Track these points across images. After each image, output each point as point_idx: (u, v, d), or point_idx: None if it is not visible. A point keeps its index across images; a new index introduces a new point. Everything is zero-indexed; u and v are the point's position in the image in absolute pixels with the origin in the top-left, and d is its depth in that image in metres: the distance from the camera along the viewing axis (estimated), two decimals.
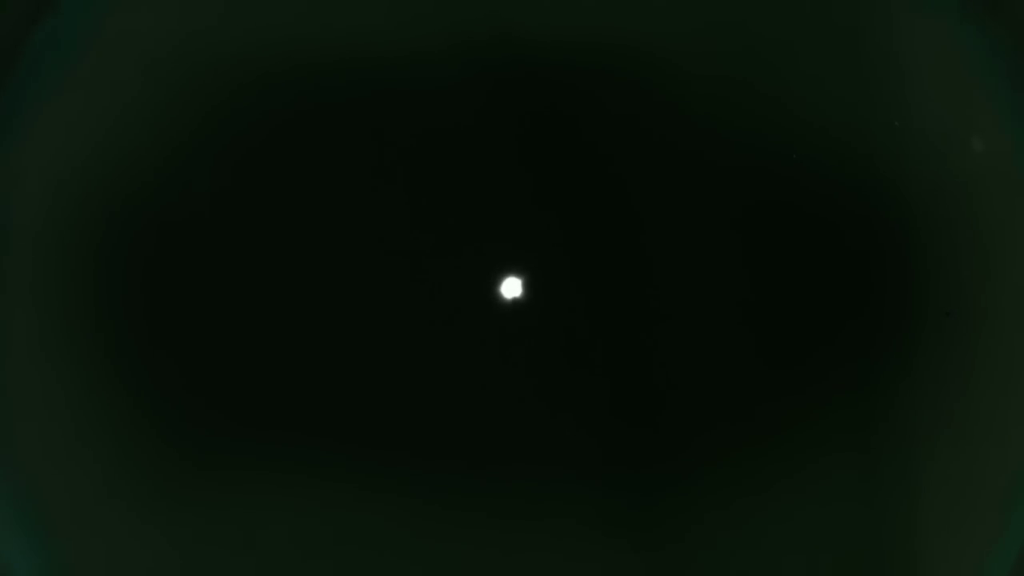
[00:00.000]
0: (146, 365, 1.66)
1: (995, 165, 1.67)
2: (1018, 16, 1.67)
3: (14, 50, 1.67)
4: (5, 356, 1.66)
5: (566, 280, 1.66)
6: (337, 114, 1.67)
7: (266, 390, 1.65)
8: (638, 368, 1.65)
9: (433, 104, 1.67)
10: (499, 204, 1.66)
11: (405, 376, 1.65)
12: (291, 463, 1.63)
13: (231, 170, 1.67)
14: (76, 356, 1.66)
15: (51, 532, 1.65)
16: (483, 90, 1.67)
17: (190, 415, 1.65)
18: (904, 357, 1.66)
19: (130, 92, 1.68)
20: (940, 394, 1.65)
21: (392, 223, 1.66)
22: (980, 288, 1.66)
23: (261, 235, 1.66)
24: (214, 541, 1.64)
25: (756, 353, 1.66)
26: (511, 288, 1.66)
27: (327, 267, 1.66)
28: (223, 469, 1.64)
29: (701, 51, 1.68)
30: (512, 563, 1.64)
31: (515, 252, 1.66)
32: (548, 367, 1.65)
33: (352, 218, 1.67)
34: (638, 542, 1.63)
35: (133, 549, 1.64)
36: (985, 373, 1.65)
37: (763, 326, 1.66)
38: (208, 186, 1.67)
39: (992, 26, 1.67)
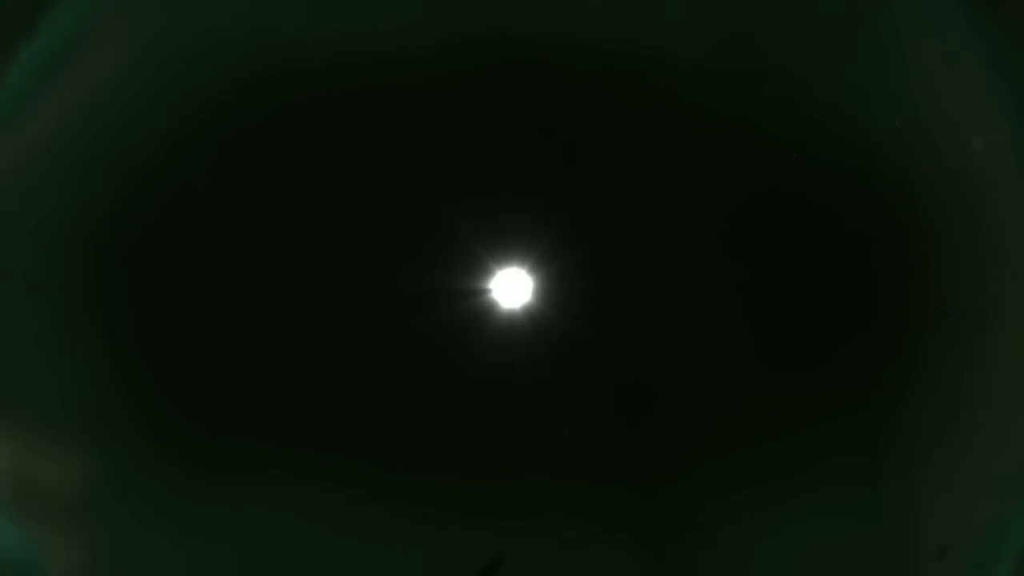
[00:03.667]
0: (146, 366, 1.66)
1: (996, 164, 1.66)
2: (1019, 15, 1.66)
3: (12, 49, 1.67)
4: (5, 355, 1.66)
5: (566, 276, 1.66)
6: (337, 114, 1.67)
7: (267, 391, 1.65)
8: (638, 367, 1.65)
9: (433, 104, 1.67)
10: (499, 202, 1.66)
11: (403, 375, 1.65)
12: (292, 464, 1.63)
13: (230, 169, 1.67)
14: (76, 356, 1.66)
15: (50, 532, 1.64)
16: (484, 88, 1.67)
17: (190, 415, 1.65)
18: (904, 356, 1.66)
19: (129, 91, 1.68)
20: (940, 393, 1.65)
21: (391, 222, 1.66)
22: (980, 288, 1.66)
23: (261, 235, 1.66)
24: (213, 541, 1.64)
25: (756, 352, 1.66)
26: (510, 284, 1.66)
27: (327, 266, 1.66)
28: (223, 470, 1.64)
29: (702, 47, 1.68)
30: (513, 560, 1.64)
31: (514, 249, 1.66)
32: (548, 366, 1.65)
33: (351, 217, 1.67)
34: (639, 539, 1.63)
35: (133, 549, 1.64)
36: (985, 372, 1.65)
37: (763, 325, 1.66)
38: (207, 185, 1.67)
39: (993, 25, 1.66)
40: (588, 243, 1.65)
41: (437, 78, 1.68)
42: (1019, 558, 1.62)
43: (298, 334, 1.66)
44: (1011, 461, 1.64)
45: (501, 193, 1.66)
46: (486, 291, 1.66)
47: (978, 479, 1.64)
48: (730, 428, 1.64)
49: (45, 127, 1.68)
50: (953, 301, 1.65)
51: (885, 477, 1.64)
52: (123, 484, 1.64)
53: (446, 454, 1.64)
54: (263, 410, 1.65)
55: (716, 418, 1.64)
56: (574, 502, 1.64)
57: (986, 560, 1.63)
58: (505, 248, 1.66)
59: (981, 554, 1.63)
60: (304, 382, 1.65)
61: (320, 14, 1.70)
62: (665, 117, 1.67)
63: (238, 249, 1.66)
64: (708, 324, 1.66)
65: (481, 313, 1.66)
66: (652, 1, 1.68)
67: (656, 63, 1.67)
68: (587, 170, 1.66)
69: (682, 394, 1.65)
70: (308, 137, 1.68)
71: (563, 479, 1.64)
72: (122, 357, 1.66)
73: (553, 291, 1.66)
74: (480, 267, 1.66)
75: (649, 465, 1.64)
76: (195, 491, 1.64)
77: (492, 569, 1.63)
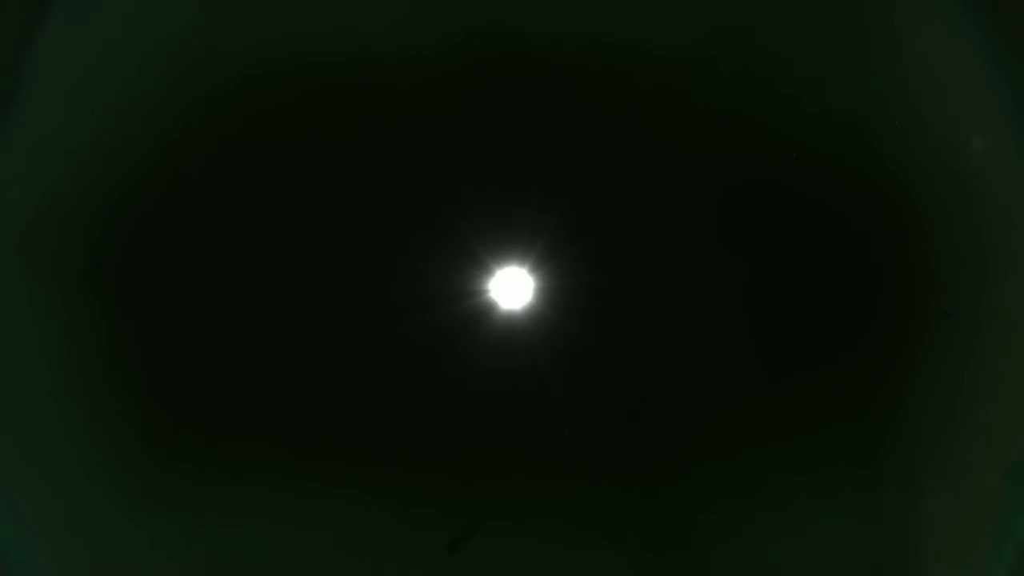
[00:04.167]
0: (137, 365, 1.65)
1: (997, 164, 1.66)
2: (1021, 14, 1.66)
3: (4, 50, 1.65)
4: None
5: (563, 275, 1.66)
6: (330, 112, 1.66)
7: (259, 392, 1.64)
8: (639, 366, 1.65)
9: (430, 100, 1.66)
10: (498, 202, 1.65)
11: (397, 373, 1.65)
12: (284, 465, 1.63)
13: (224, 167, 1.66)
14: (65, 354, 1.65)
15: (36, 534, 1.63)
16: (481, 85, 1.67)
17: (180, 416, 1.64)
18: (903, 356, 1.66)
19: (122, 90, 1.67)
20: (939, 393, 1.65)
21: (387, 221, 1.66)
22: (980, 288, 1.66)
23: (255, 234, 1.65)
24: (203, 544, 1.63)
25: (757, 352, 1.66)
26: (507, 282, 1.66)
27: (322, 267, 1.65)
28: (214, 471, 1.63)
29: (702, 42, 1.68)
30: (513, 561, 1.63)
31: (512, 250, 1.65)
32: (547, 366, 1.64)
33: (345, 217, 1.66)
34: (640, 540, 1.63)
35: (120, 551, 1.62)
36: (985, 373, 1.65)
37: (764, 324, 1.66)
38: (203, 186, 1.66)
39: (995, 25, 1.66)
40: (589, 242, 1.65)
41: (434, 75, 1.67)
42: (1019, 558, 1.62)
43: (292, 335, 1.65)
44: (1011, 461, 1.64)
45: (500, 192, 1.65)
46: (482, 289, 1.66)
47: (978, 479, 1.64)
48: (731, 429, 1.64)
49: (36, 128, 1.67)
50: (953, 301, 1.65)
51: (885, 477, 1.64)
52: (110, 486, 1.63)
53: (444, 456, 1.63)
54: (257, 413, 1.64)
55: (716, 419, 1.64)
56: (574, 503, 1.63)
57: (986, 560, 1.63)
58: (503, 248, 1.65)
59: (981, 554, 1.63)
60: (298, 384, 1.64)
61: (315, 11, 1.69)
62: (665, 112, 1.67)
63: (231, 249, 1.65)
64: (709, 323, 1.66)
65: (480, 313, 1.65)
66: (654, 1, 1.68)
67: (658, 57, 1.67)
68: (588, 168, 1.66)
69: (683, 394, 1.65)
70: (302, 135, 1.67)
71: (562, 480, 1.64)
72: (111, 356, 1.65)
73: (554, 291, 1.65)
74: (476, 267, 1.65)
75: (649, 467, 1.64)
76: (184, 493, 1.63)
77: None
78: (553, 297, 1.66)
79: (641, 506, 1.64)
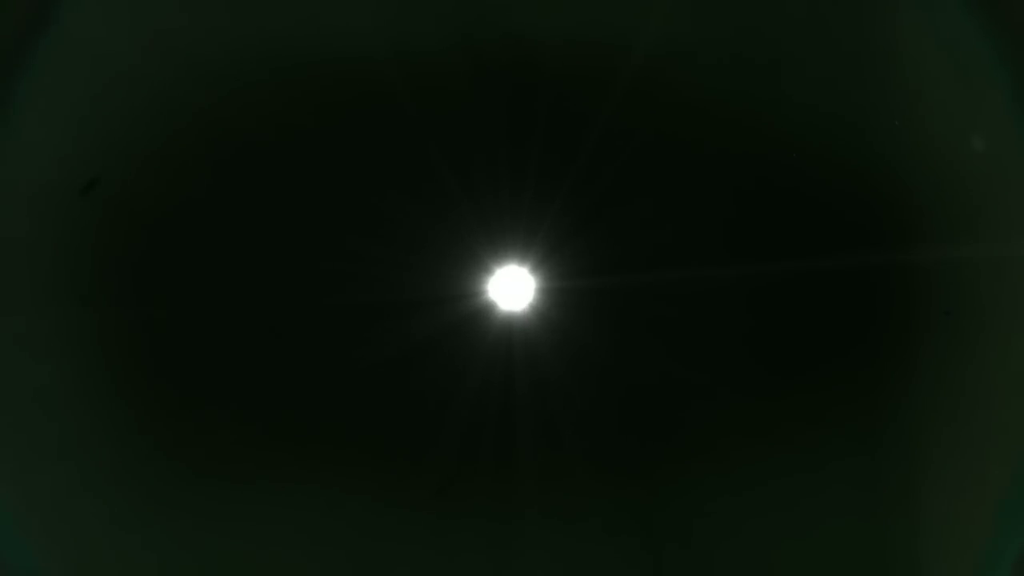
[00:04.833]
0: (135, 370, 1.64)
1: (998, 163, 1.66)
2: (1021, 15, 1.66)
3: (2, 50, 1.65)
4: None
5: (564, 275, 1.66)
6: (331, 113, 1.66)
7: (258, 395, 1.64)
8: (639, 365, 1.65)
9: (431, 102, 1.66)
10: (497, 202, 1.65)
11: (396, 374, 1.64)
12: (285, 470, 1.62)
13: (223, 170, 1.66)
14: (63, 359, 1.65)
15: (35, 538, 1.63)
16: (484, 88, 1.66)
17: (178, 421, 1.64)
18: (903, 356, 1.66)
19: (119, 92, 1.67)
20: (939, 393, 1.65)
21: (387, 223, 1.65)
22: (980, 288, 1.66)
23: (254, 236, 1.65)
24: (201, 548, 1.62)
25: (757, 351, 1.66)
26: (507, 282, 1.66)
27: (319, 267, 1.65)
28: (214, 475, 1.63)
29: (702, 44, 1.68)
30: (511, 561, 1.63)
31: (512, 249, 1.65)
32: (546, 365, 1.64)
33: (344, 218, 1.66)
34: (640, 539, 1.63)
35: (118, 555, 1.62)
36: (985, 373, 1.65)
37: (764, 323, 1.66)
38: (199, 187, 1.66)
39: (996, 24, 1.66)
40: (589, 242, 1.65)
41: (434, 73, 1.67)
42: (1019, 559, 1.62)
43: (292, 338, 1.65)
44: (1011, 461, 1.65)
45: (500, 191, 1.65)
46: (480, 289, 1.66)
47: (978, 479, 1.64)
48: (730, 429, 1.64)
49: (32, 129, 1.67)
50: (953, 301, 1.65)
51: (885, 478, 1.64)
52: (107, 490, 1.63)
53: (444, 457, 1.63)
54: (256, 417, 1.64)
55: (716, 418, 1.64)
56: (573, 502, 1.63)
57: (986, 560, 1.63)
58: (501, 249, 1.65)
59: (981, 555, 1.63)
60: (298, 387, 1.64)
61: (309, 11, 1.69)
62: (664, 111, 1.67)
63: (230, 251, 1.65)
64: (710, 322, 1.66)
65: (480, 313, 1.65)
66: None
67: (659, 56, 1.67)
68: (588, 167, 1.65)
69: (684, 394, 1.65)
70: (300, 134, 1.67)
71: (562, 479, 1.64)
72: (109, 359, 1.65)
73: (554, 291, 1.65)
74: (475, 269, 1.65)
75: (650, 465, 1.64)
76: (182, 496, 1.62)
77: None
78: (553, 297, 1.65)
79: (641, 504, 1.64)
